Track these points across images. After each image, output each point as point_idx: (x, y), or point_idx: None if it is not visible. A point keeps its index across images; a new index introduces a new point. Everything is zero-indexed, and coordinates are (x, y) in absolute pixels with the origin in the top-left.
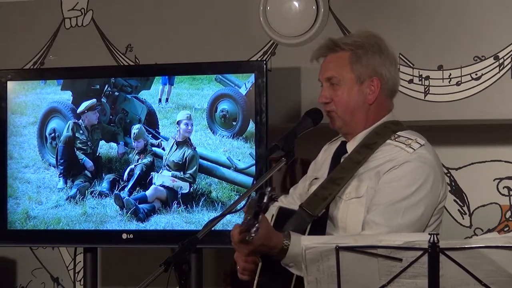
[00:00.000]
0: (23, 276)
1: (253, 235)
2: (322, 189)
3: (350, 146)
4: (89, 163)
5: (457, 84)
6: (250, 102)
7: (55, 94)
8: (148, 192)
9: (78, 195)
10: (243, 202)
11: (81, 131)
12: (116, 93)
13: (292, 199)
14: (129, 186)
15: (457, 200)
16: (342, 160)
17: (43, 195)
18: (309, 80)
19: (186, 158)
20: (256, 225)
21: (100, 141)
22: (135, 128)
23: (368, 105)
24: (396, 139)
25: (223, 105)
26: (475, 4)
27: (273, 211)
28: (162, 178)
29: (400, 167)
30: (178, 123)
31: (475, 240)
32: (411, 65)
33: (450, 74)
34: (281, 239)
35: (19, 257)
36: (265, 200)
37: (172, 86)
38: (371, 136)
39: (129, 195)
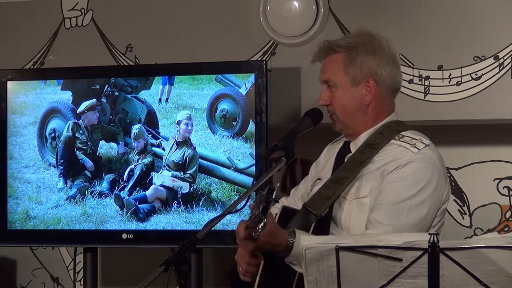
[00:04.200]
0: (23, 276)
1: (260, 230)
2: (325, 188)
3: (354, 146)
4: (89, 163)
5: (457, 84)
6: (250, 102)
7: (55, 94)
8: (148, 192)
9: (78, 195)
10: (243, 202)
11: (81, 131)
12: (116, 93)
13: (293, 200)
14: (129, 186)
15: (457, 200)
16: (346, 159)
17: (43, 195)
18: (309, 80)
19: (186, 158)
20: (264, 220)
21: (100, 141)
22: (135, 128)
23: (365, 106)
24: (401, 139)
25: (223, 105)
26: (475, 4)
27: (277, 210)
28: (162, 178)
29: (405, 166)
30: (178, 123)
31: (475, 240)
32: (411, 65)
33: (450, 74)
34: (286, 236)
35: (19, 257)
36: (273, 196)
37: (172, 86)
38: (374, 136)
39: (129, 195)
